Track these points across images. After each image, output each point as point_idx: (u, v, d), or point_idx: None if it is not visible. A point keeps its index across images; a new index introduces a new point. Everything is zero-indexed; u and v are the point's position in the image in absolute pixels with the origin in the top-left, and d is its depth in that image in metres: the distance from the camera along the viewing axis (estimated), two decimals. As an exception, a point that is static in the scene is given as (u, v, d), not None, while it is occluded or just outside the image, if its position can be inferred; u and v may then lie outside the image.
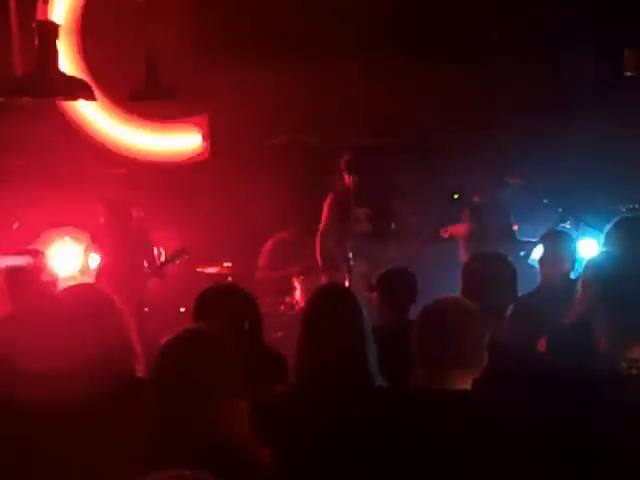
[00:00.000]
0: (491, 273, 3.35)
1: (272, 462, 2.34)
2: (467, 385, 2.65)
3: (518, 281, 3.47)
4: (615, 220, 4.42)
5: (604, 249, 4.32)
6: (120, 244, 6.39)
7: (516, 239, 6.76)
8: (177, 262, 6.68)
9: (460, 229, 6.80)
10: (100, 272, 6.45)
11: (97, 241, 6.56)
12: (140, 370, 2.82)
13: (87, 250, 6.70)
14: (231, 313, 3.53)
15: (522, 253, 6.39)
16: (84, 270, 6.66)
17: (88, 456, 2.44)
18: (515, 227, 6.93)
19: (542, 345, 3.66)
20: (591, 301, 3.27)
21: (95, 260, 6.62)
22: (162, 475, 1.84)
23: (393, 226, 6.72)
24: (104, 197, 6.56)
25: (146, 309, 6.53)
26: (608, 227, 4.39)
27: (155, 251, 6.64)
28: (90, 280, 6.12)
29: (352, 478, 2.64)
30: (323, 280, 6.56)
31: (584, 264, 3.88)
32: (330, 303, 3.03)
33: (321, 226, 6.81)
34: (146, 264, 6.53)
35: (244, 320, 3.62)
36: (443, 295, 2.85)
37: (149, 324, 5.77)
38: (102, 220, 6.56)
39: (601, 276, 3.34)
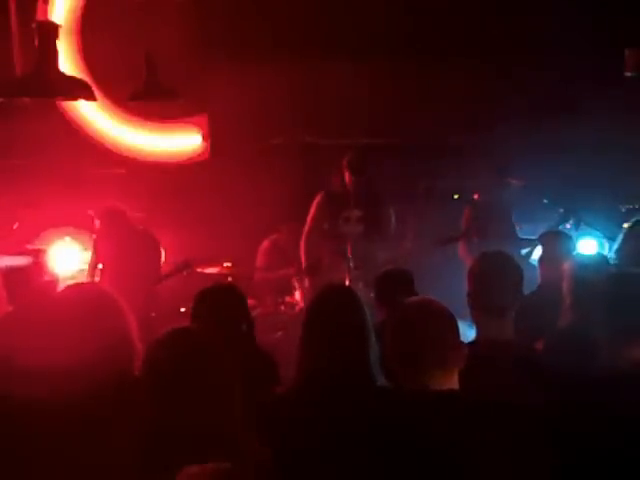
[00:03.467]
0: (498, 273, 3.34)
1: (272, 462, 2.34)
2: (453, 384, 2.65)
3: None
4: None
5: (599, 251, 4.35)
6: (122, 251, 6.25)
7: (518, 239, 6.75)
8: (181, 274, 6.56)
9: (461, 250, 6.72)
10: (102, 277, 6.36)
11: (98, 247, 6.45)
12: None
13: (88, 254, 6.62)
14: (228, 314, 3.54)
15: (523, 252, 6.39)
16: (85, 272, 6.61)
17: (87, 455, 2.44)
18: (516, 227, 6.93)
19: (540, 346, 3.67)
20: (590, 302, 3.27)
21: (94, 262, 6.53)
22: (202, 468, 1.86)
23: (386, 229, 6.47)
24: (101, 210, 6.33)
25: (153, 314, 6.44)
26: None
27: (162, 256, 6.54)
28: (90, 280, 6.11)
29: (352, 478, 2.64)
30: (306, 284, 6.51)
31: (575, 265, 3.89)
32: (332, 302, 3.03)
33: (306, 228, 6.57)
34: (150, 270, 6.39)
35: (241, 321, 3.63)
36: (415, 297, 2.90)
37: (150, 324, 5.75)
38: (101, 230, 6.37)
39: (599, 277, 3.34)
